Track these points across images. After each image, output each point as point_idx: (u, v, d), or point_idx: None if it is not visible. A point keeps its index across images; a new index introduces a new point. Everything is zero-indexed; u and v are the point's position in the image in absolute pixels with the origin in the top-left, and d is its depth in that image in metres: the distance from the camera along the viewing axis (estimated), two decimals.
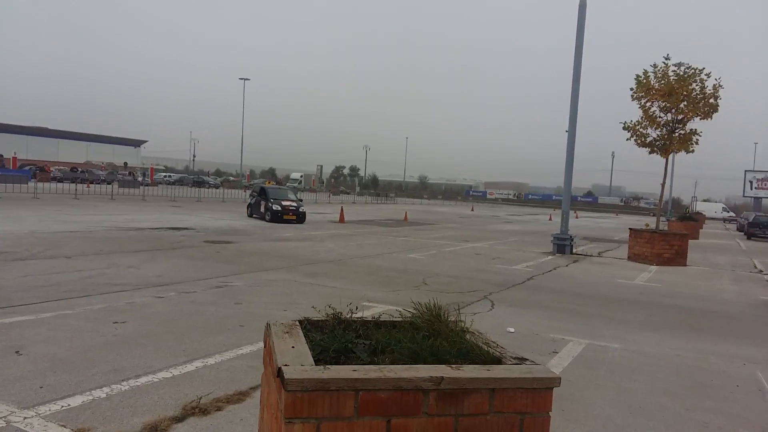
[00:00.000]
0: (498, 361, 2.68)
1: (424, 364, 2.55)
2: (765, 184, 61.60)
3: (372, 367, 2.40)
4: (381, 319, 3.32)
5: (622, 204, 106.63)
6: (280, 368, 2.29)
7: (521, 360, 2.70)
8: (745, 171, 64.48)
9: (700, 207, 74.14)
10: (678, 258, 16.81)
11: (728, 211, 79.75)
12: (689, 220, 33.14)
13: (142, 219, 21.34)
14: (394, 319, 3.34)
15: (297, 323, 3.08)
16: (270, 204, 25.58)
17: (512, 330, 7.36)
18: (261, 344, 6.00)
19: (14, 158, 55.57)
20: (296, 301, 8.34)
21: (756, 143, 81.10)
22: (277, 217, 24.95)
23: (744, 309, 10.29)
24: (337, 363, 2.62)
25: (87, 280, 9.00)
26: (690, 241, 19.07)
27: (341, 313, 3.28)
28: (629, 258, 17.62)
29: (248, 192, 39.19)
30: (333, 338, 2.83)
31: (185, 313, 7.23)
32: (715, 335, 7.98)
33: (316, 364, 2.46)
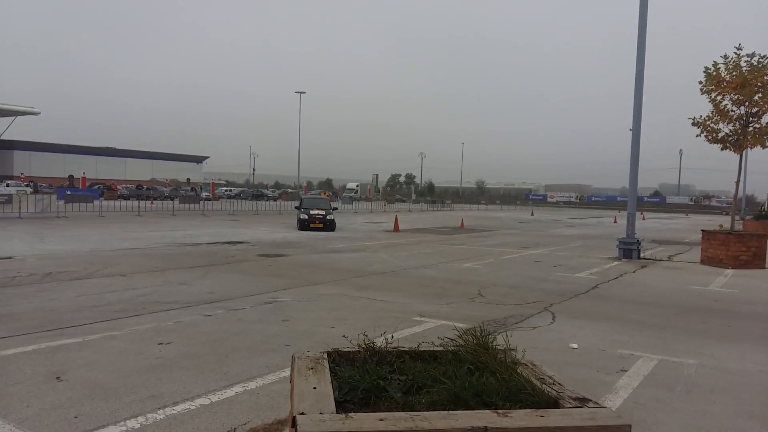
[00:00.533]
0: (554, 403, 2.27)
1: (466, 408, 2.17)
2: None
3: (402, 414, 2.04)
4: (420, 349, 2.96)
5: (692, 203, 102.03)
6: (294, 417, 1.97)
7: (583, 401, 2.27)
8: None
9: None
10: (756, 260, 15.63)
11: None
12: (766, 219, 31.09)
13: (200, 234, 21.67)
14: (435, 349, 2.97)
15: (325, 356, 2.75)
16: (300, 213, 25.96)
17: (575, 346, 6.82)
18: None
19: (83, 178, 58.04)
20: (345, 317, 8.05)
21: None
22: (304, 226, 25.14)
23: None
24: (367, 404, 2.28)
25: (139, 299, 9.00)
26: None
27: (374, 343, 2.93)
28: (702, 261, 16.53)
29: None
30: (364, 374, 2.49)
31: (231, 332, 7.06)
32: None
33: (340, 408, 2.13)
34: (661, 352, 6.73)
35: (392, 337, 3.27)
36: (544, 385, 2.41)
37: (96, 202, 35.37)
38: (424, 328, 7.52)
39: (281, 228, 26.53)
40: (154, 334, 6.88)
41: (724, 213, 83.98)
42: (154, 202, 51.01)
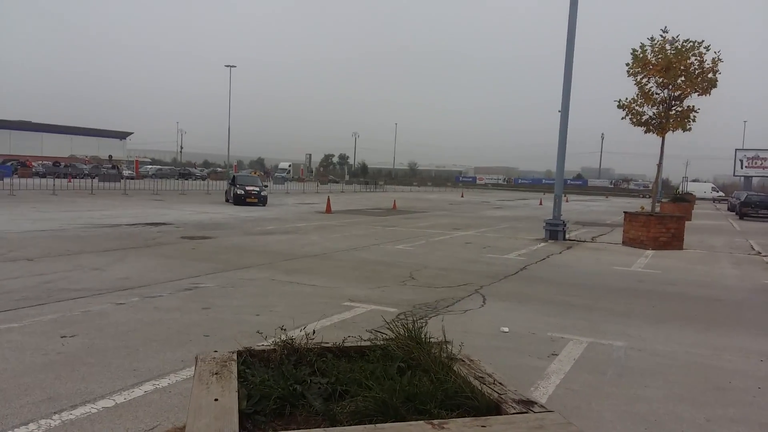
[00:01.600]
0: (496, 407, 2.01)
1: (396, 417, 1.88)
2: (755, 163, 61.42)
3: (318, 431, 1.72)
4: (345, 345, 2.64)
5: (612, 186, 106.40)
6: None
7: (527, 404, 2.02)
8: (736, 150, 64.27)
9: (689, 187, 73.96)
10: (674, 241, 16.26)
11: (717, 191, 79.59)
12: (681, 201, 32.67)
13: (120, 214, 20.52)
14: (362, 345, 2.65)
15: (234, 356, 2.39)
16: (235, 189, 28.25)
17: (506, 330, 6.72)
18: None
19: None
20: (272, 304, 7.65)
21: (745, 121, 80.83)
22: (240, 200, 27.72)
23: (749, 295, 9.72)
24: (281, 415, 1.95)
25: (44, 286, 8.26)
26: None
27: (293, 340, 2.59)
28: (624, 242, 17.06)
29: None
30: (280, 377, 2.15)
31: (145, 323, 6.53)
32: (724, 327, 7.39)
33: (249, 422, 1.79)
34: (590, 334, 6.73)
35: (314, 332, 2.94)
36: (484, 386, 2.16)
37: (6, 180, 33.00)
38: (354, 314, 7.23)
39: (208, 208, 25.56)
40: (57, 326, 6.26)
41: (641, 195, 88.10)
42: (72, 180, 48.22)
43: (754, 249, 17.12)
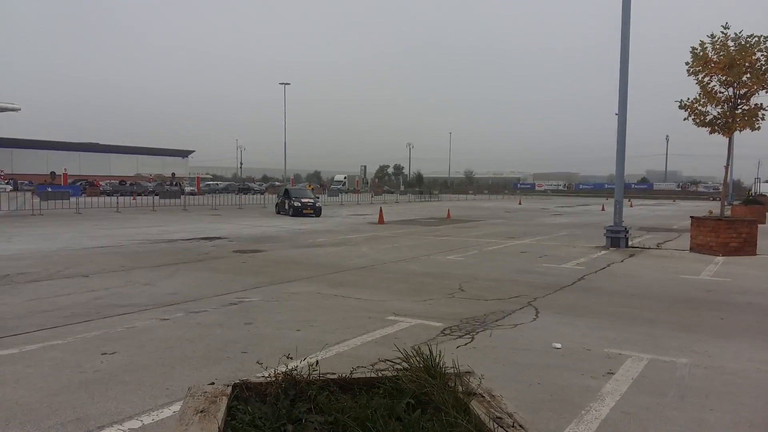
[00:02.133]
0: None
1: None
2: None
3: None
4: (352, 376, 2.38)
5: (679, 189, 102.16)
6: None
7: None
8: None
9: (762, 189, 70.00)
10: (747, 247, 15.22)
11: None
12: (754, 204, 30.83)
13: (177, 230, 21.00)
14: (370, 376, 2.39)
15: (228, 390, 2.18)
16: (292, 201, 30.29)
17: (559, 346, 6.30)
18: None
19: (65, 174, 56.96)
20: (313, 318, 7.49)
21: None
22: (298, 212, 29.69)
23: None
24: None
25: (95, 302, 8.39)
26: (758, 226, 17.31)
27: (294, 370, 2.36)
28: (692, 249, 16.11)
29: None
30: (273, 415, 1.93)
31: (186, 339, 6.47)
32: None
33: None
34: (651, 350, 6.23)
35: (317, 363, 2.68)
36: (504, 429, 1.85)
37: (73, 199, 34.51)
38: (397, 329, 6.97)
39: (263, 222, 25.89)
40: (100, 342, 6.28)
41: (711, 198, 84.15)
42: (137, 197, 50.10)
43: None
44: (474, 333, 6.84)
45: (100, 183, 65.95)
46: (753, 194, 43.38)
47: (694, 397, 4.84)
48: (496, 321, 7.51)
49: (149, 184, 72.42)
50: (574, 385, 5.08)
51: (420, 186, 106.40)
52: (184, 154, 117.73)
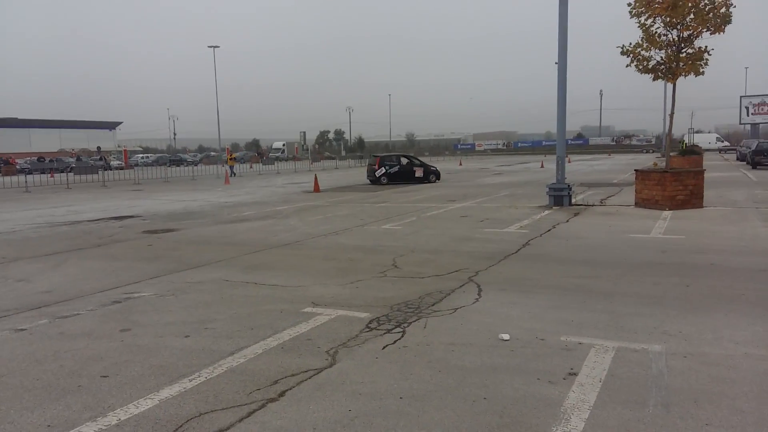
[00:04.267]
0: None
1: None
2: (762, 109, 59.36)
3: None
4: None
5: (614, 143, 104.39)
6: None
7: None
8: (741, 97, 62.18)
9: (694, 139, 71.98)
10: (694, 199, 14.64)
11: (722, 141, 77.59)
12: (691, 154, 30.99)
13: (87, 209, 18.98)
14: None
15: None
16: (389, 168, 28.12)
17: (507, 337, 5.16)
18: (109, 417, 3.80)
19: None
20: (212, 317, 6.10)
21: (747, 68, 78.36)
22: (411, 177, 28.05)
23: None
24: None
25: None
26: None
27: None
28: (637, 204, 15.45)
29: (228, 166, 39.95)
30: None
31: (34, 359, 4.99)
32: None
33: None
34: (615, 334, 5.17)
35: None
36: None
37: None
38: (312, 325, 5.68)
39: (188, 196, 23.99)
40: None
41: (644, 151, 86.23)
42: (55, 175, 46.65)
43: None
44: (406, 324, 5.63)
45: (16, 161, 61.36)
46: (686, 145, 43.99)
47: (681, 404, 3.77)
48: (433, 305, 6.32)
49: (72, 160, 68.10)
50: (529, 397, 3.93)
51: (361, 151, 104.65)
52: (111, 126, 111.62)
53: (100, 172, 36.78)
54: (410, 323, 5.67)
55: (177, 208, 18.95)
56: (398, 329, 5.49)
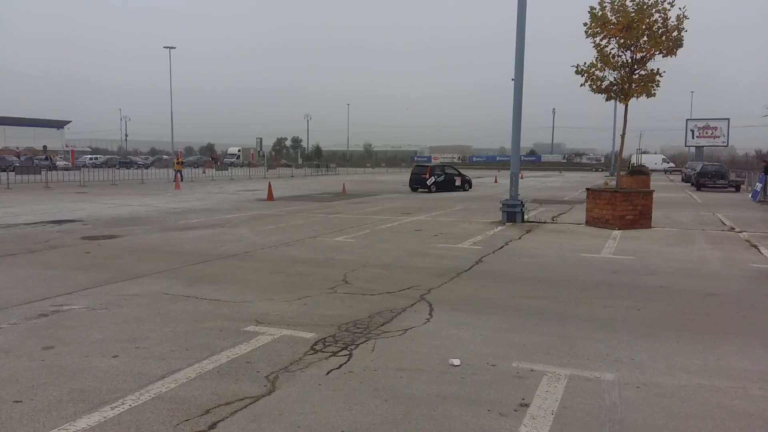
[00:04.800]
0: None
1: None
2: (706, 132, 61.70)
3: None
4: None
5: (565, 161, 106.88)
6: None
7: None
8: (687, 120, 64.48)
9: (641, 160, 74.27)
10: (642, 219, 14.88)
11: (668, 162, 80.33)
12: (639, 174, 31.84)
13: (25, 212, 18.02)
14: None
15: None
16: (436, 178, 30.74)
17: (457, 363, 4.95)
18: None
19: None
20: (145, 335, 5.70)
21: (692, 92, 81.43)
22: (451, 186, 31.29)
23: (744, 286, 8.23)
24: None
25: None
26: None
27: None
28: (587, 222, 15.62)
29: (175, 171, 38.57)
30: None
31: None
32: (733, 337, 5.80)
33: None
34: (568, 361, 5.03)
35: None
36: None
37: None
38: (253, 346, 5.35)
39: (135, 200, 23.12)
40: None
41: (594, 169, 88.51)
42: None
43: (725, 224, 15.90)
44: (353, 346, 5.37)
45: None
46: (633, 165, 45.22)
47: None
48: (383, 325, 6.07)
49: (16, 159, 65.22)
50: (479, 431, 3.72)
51: (319, 159, 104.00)
52: (60, 124, 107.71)
53: (43, 173, 35.12)
54: (358, 345, 5.41)
55: (122, 213, 18.19)
56: (345, 351, 5.22)
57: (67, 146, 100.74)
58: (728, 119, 62.97)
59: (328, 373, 4.69)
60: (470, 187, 32.71)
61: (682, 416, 3.94)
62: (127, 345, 5.36)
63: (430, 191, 30.20)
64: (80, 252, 10.73)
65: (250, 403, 4.08)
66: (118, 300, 7.10)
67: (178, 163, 40.56)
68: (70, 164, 67.01)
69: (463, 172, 35.66)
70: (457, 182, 31.89)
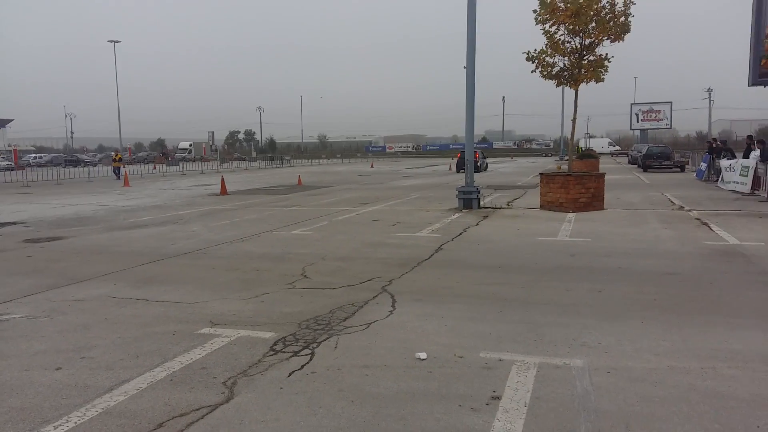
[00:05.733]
0: None
1: None
2: (650, 116, 63.44)
3: None
4: None
5: (516, 147, 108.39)
6: None
7: None
8: (631, 104, 66.17)
9: (589, 144, 75.95)
10: (595, 201, 15.08)
11: (614, 146, 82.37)
12: (589, 158, 32.40)
13: None
14: None
15: None
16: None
17: (424, 356, 4.79)
18: None
19: None
20: (91, 343, 5.34)
21: (636, 77, 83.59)
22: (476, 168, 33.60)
23: (700, 264, 8.35)
24: None
25: None
26: None
27: None
28: (542, 206, 15.74)
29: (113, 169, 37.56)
30: None
31: None
32: (697, 316, 5.81)
33: None
34: (535, 348, 4.94)
35: None
36: None
37: None
38: (208, 350, 5.06)
39: (82, 200, 22.19)
40: None
41: (544, 154, 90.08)
42: None
43: (674, 203, 16.27)
44: (315, 344, 5.15)
45: None
46: (581, 149, 46.07)
47: (613, 428, 3.53)
48: (345, 320, 5.87)
49: None
50: (451, 429, 3.56)
51: (273, 152, 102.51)
52: (1, 123, 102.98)
53: None
54: (320, 343, 5.19)
55: (67, 212, 17.40)
56: (306, 350, 5.00)
57: (9, 146, 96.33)
58: (671, 102, 64.94)
59: (290, 374, 4.46)
60: (486, 169, 39.74)
61: (657, 400, 3.87)
62: (72, 355, 5.01)
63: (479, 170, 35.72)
64: (21, 256, 10.14)
65: (206, 413, 3.82)
66: (61, 306, 6.67)
67: (115, 160, 39.34)
68: (12, 164, 64.10)
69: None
70: (478, 162, 35.73)
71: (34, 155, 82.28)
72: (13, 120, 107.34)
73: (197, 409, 3.87)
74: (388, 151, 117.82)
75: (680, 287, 6.99)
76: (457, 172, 37.02)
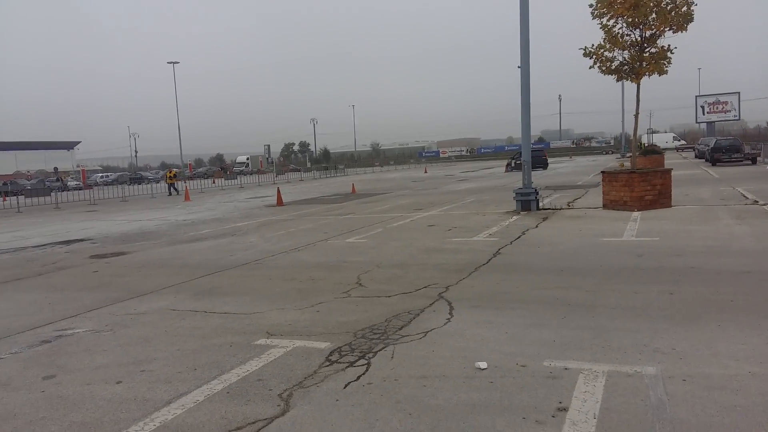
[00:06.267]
0: None
1: None
2: (716, 108, 60.63)
3: None
4: None
5: (575, 146, 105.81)
6: None
7: None
8: (696, 96, 63.41)
9: (652, 139, 73.28)
10: (662, 199, 14.40)
11: (679, 140, 79.15)
12: (653, 154, 31.20)
13: (34, 234, 17.87)
14: None
15: None
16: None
17: (484, 366, 4.59)
18: None
19: None
20: (151, 356, 5.39)
21: (699, 68, 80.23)
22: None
23: None
24: None
25: None
26: None
27: None
28: (605, 206, 15.16)
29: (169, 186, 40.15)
30: None
31: None
32: None
33: None
34: (603, 355, 4.66)
35: None
36: None
37: None
38: (265, 361, 5.02)
39: (145, 215, 22.96)
40: None
41: (604, 152, 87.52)
42: (7, 198, 44.67)
43: (748, 198, 15.37)
44: (371, 354, 5.03)
45: None
46: (644, 145, 44.46)
47: None
48: (401, 329, 5.73)
49: (27, 182, 65.55)
50: None
51: (327, 162, 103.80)
52: (69, 145, 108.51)
53: (53, 194, 35.08)
54: (376, 353, 5.06)
55: (131, 228, 17.99)
56: (362, 361, 4.88)
57: (78, 166, 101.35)
58: (738, 93, 61.82)
59: (346, 386, 4.35)
60: (545, 168, 42.11)
61: (739, 410, 3.55)
62: (132, 368, 5.06)
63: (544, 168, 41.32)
64: (87, 272, 10.49)
65: (262, 427, 3.74)
66: (124, 320, 6.81)
67: (171, 176, 40.78)
68: (81, 184, 67.31)
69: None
70: (536, 163, 36.93)
71: (101, 175, 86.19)
72: (80, 142, 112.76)
73: (253, 423, 3.80)
74: (441, 155, 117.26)
75: (759, 287, 6.51)
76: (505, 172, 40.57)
